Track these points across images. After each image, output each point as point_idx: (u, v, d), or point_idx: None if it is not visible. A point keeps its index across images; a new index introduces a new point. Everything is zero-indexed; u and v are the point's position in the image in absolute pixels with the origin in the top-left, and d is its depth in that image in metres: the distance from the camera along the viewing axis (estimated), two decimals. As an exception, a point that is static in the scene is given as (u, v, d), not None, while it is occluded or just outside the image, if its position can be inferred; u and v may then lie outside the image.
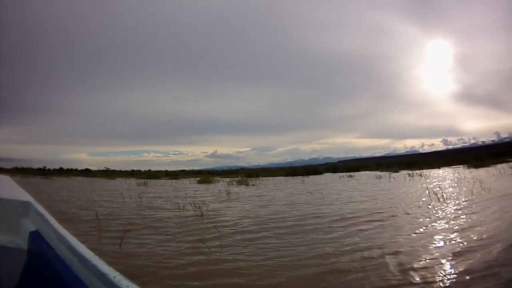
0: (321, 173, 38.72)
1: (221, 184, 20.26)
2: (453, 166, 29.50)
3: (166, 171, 51.36)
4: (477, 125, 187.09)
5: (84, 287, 0.89)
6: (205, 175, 40.90)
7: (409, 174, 20.18)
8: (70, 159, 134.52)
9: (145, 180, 21.96)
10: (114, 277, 0.83)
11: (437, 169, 27.82)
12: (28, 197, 1.53)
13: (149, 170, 49.66)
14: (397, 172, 28.13)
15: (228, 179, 27.00)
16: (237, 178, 29.41)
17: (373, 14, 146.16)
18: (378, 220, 5.62)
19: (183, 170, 57.04)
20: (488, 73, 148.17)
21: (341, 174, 29.83)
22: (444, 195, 8.46)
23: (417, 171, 23.56)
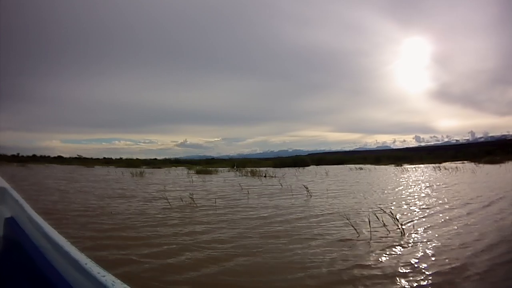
0: (308, 165, 37.97)
1: (227, 175, 17.51)
2: (454, 162, 29.89)
3: (137, 159, 48.90)
4: (451, 124, 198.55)
5: (57, 273, 0.90)
6: (188, 165, 38.18)
7: (434, 168, 19.36)
8: (43, 146, 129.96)
9: (142, 170, 18.22)
10: (86, 264, 0.84)
11: (438, 164, 27.85)
12: (4, 183, 1.43)
13: (121, 158, 46.83)
14: (401, 165, 27.79)
15: (223, 169, 24.31)
16: (231, 168, 26.87)
17: (349, 9, 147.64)
18: None
19: (155, 159, 54.87)
20: (466, 72, 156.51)
21: (350, 166, 28.57)
22: None
23: (432, 165, 23.09)
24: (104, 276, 0.80)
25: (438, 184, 10.75)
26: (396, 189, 9.58)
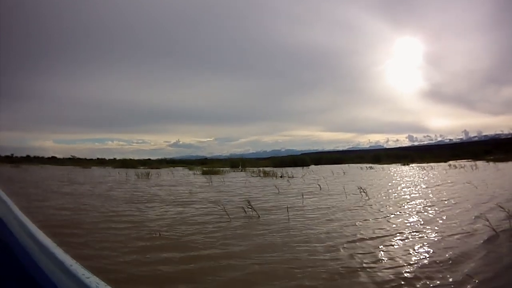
0: (309, 165, 37.49)
1: (237, 176, 16.43)
2: (459, 160, 29.77)
3: (132, 159, 47.52)
4: (444, 123, 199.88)
5: (43, 274, 0.90)
6: (184, 165, 37.27)
7: (450, 166, 18.89)
8: (36, 146, 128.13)
9: (148, 171, 16.77)
10: (71, 266, 0.85)
11: (443, 163, 27.69)
12: None
13: (115, 159, 45.62)
14: (408, 164, 27.48)
15: (226, 170, 23.18)
16: (233, 168, 25.76)
17: (342, 8, 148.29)
18: None
19: (149, 159, 53.89)
20: (458, 72, 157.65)
21: (355, 165, 28.03)
22: None
23: (443, 164, 22.75)
24: (88, 278, 0.80)
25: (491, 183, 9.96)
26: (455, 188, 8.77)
